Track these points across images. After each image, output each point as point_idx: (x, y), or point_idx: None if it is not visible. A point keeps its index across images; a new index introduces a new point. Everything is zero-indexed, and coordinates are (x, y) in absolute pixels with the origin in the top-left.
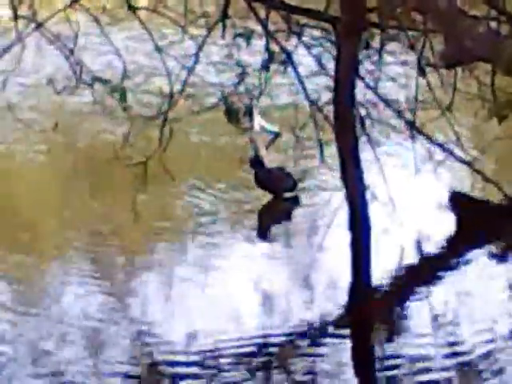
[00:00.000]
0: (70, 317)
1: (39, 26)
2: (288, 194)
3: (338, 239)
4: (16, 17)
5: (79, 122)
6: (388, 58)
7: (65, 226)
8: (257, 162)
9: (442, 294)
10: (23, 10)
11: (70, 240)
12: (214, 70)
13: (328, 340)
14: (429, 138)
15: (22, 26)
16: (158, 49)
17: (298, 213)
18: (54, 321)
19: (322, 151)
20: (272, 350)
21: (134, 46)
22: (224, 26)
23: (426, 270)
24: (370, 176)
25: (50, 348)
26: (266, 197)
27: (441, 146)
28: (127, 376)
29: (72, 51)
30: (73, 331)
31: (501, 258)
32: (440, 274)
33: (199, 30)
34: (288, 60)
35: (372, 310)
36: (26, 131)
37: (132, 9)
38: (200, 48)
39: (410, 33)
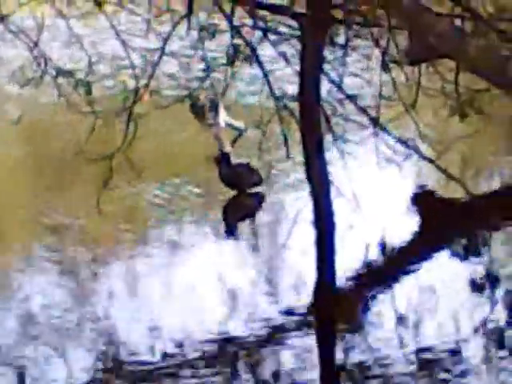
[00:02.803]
0: (32, 311)
1: (3, 18)
2: (253, 190)
3: (303, 235)
4: None
5: (43, 116)
6: (353, 55)
7: (28, 220)
8: (222, 158)
9: (405, 291)
10: None
11: (33, 234)
12: (177, 64)
13: (292, 337)
14: (393, 135)
15: None
16: (123, 43)
17: (262, 209)
18: (16, 315)
19: (287, 147)
20: (236, 346)
21: (99, 40)
22: (189, 22)
23: (390, 267)
24: (335, 172)
25: (10, 342)
26: (231, 192)
27: (404, 143)
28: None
29: (36, 44)
30: (36, 326)
31: (463, 256)
32: (404, 270)
33: (164, 26)
34: (253, 55)
35: (336, 307)
36: None
37: (97, 3)
38: (165, 42)
39: (375, 29)
